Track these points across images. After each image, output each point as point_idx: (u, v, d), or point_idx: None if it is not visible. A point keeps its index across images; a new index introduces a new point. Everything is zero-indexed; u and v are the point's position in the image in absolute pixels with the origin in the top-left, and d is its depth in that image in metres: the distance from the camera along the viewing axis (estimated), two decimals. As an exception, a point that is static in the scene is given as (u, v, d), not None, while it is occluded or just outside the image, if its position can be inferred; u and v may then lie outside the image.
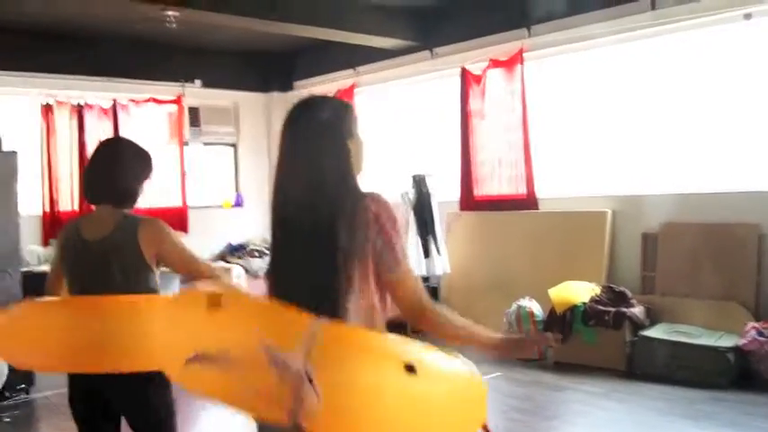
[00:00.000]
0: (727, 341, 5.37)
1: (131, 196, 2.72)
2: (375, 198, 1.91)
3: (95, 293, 2.58)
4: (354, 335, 1.75)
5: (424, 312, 1.93)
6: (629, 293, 6.08)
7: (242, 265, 8.88)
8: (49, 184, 8.28)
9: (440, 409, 1.69)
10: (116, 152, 2.79)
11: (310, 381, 1.58)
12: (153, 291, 2.65)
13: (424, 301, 1.93)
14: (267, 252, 9.18)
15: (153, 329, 2.21)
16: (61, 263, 2.73)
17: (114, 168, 2.71)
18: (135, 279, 2.60)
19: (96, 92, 8.55)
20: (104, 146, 2.89)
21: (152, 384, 2.53)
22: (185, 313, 2.02)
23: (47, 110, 8.28)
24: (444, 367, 1.72)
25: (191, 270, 2.65)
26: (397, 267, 1.90)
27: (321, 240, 1.88)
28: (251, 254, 9.19)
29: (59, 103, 8.35)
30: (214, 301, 1.85)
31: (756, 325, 5.36)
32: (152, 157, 2.85)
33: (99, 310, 2.48)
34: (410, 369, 1.60)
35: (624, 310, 5.82)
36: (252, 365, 1.71)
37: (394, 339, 1.72)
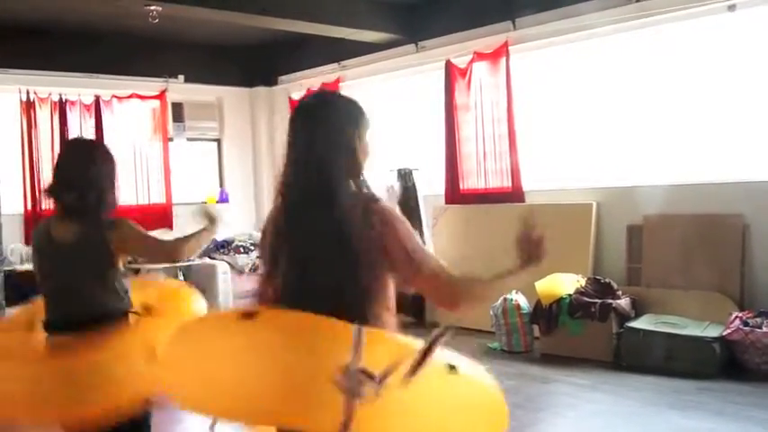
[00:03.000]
0: (712, 331, 5.40)
1: (104, 205, 2.69)
2: (382, 205, 1.89)
3: (65, 293, 2.60)
4: (395, 339, 1.76)
5: (459, 294, 1.91)
6: (614, 285, 6.10)
7: (227, 262, 8.83)
8: (30, 181, 8.20)
9: (474, 408, 1.79)
10: (88, 156, 2.73)
11: (373, 378, 1.55)
12: (120, 290, 2.67)
13: (454, 285, 1.90)
14: (253, 248, 9.14)
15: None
16: (35, 263, 2.75)
17: (86, 175, 2.66)
18: (103, 279, 2.62)
19: (78, 88, 8.47)
20: (74, 146, 2.88)
21: None
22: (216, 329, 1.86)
23: (28, 106, 8.19)
24: (476, 371, 1.82)
25: (159, 256, 2.76)
26: (423, 266, 1.87)
27: (336, 245, 1.83)
28: (236, 250, 9.14)
29: (41, 99, 8.27)
30: (249, 314, 1.76)
31: (741, 315, 5.39)
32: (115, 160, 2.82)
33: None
34: (452, 368, 1.70)
35: (610, 301, 5.83)
36: (294, 379, 1.62)
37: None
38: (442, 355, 1.70)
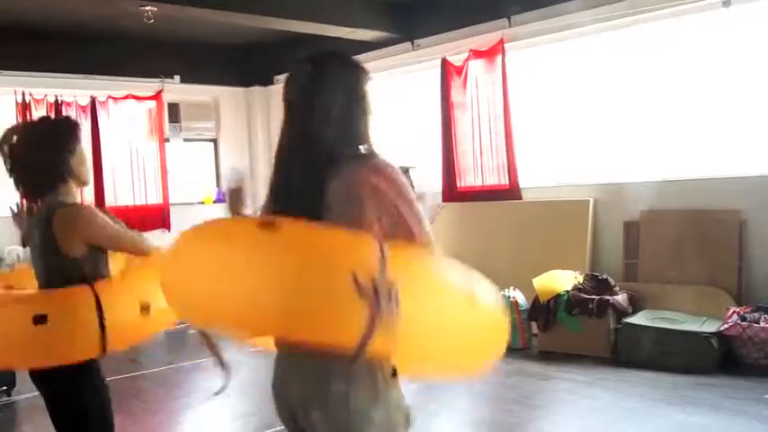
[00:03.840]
0: (710, 326, 5.41)
1: (53, 178, 2.59)
2: (374, 166, 1.73)
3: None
4: (420, 260, 1.72)
5: None
6: (612, 281, 6.11)
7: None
8: (27, 182, 8.17)
9: (485, 332, 1.82)
10: (23, 139, 2.63)
11: (393, 298, 1.50)
12: (76, 280, 2.54)
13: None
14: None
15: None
16: None
17: (27, 156, 2.58)
18: (53, 270, 2.57)
19: (74, 89, 8.46)
20: (11, 133, 2.69)
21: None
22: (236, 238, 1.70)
23: (24, 107, 8.17)
24: (489, 296, 1.81)
25: (122, 249, 2.66)
26: (412, 239, 1.75)
27: (312, 207, 1.72)
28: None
29: (36, 100, 8.25)
30: (268, 224, 1.63)
31: (738, 310, 5.40)
32: (68, 125, 2.67)
33: None
34: (471, 300, 1.72)
35: (608, 297, 5.84)
36: (319, 290, 1.56)
37: (450, 265, 1.74)
38: (463, 280, 1.73)
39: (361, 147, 1.81)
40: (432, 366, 1.86)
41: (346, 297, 1.49)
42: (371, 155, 1.79)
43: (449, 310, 1.68)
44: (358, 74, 1.88)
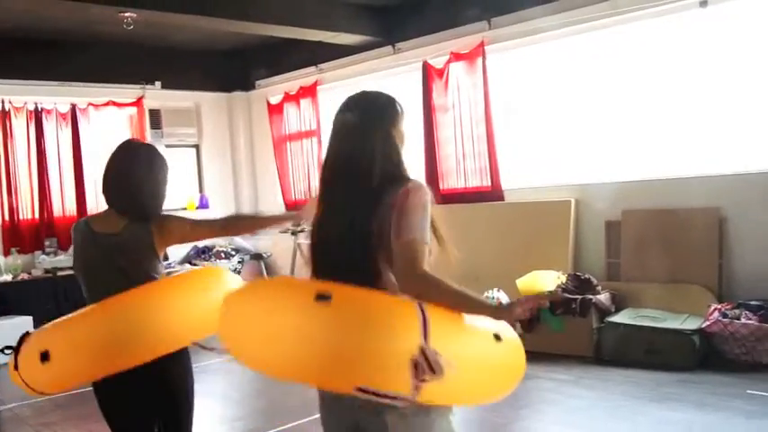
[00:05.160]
0: (691, 324, 5.46)
1: (153, 211, 2.80)
2: (412, 185, 1.99)
3: (111, 288, 2.61)
4: (450, 313, 1.88)
5: (417, 281, 1.89)
6: (594, 280, 6.15)
7: (209, 267, 8.81)
8: (7, 191, 8.12)
9: (511, 367, 2.08)
10: (149, 166, 2.81)
11: (438, 359, 1.72)
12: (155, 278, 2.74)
13: (418, 270, 1.89)
14: (234, 254, 9.13)
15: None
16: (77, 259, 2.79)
17: (143, 189, 2.76)
18: (142, 269, 2.70)
19: (54, 96, 8.41)
20: (133, 152, 2.84)
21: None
22: (288, 301, 1.89)
23: (3, 115, 8.12)
24: (511, 334, 2.06)
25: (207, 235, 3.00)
26: (396, 239, 1.92)
27: (358, 225, 1.98)
28: (218, 255, 9.12)
29: (16, 108, 8.20)
30: (323, 296, 1.80)
31: (719, 306, 5.46)
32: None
33: None
34: (498, 338, 1.95)
35: (590, 297, 5.89)
36: (363, 359, 1.76)
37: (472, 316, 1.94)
38: (484, 323, 1.94)
39: (398, 172, 2.06)
40: (470, 397, 2.07)
41: (394, 364, 1.73)
42: (407, 179, 2.04)
43: (482, 348, 1.93)
44: (394, 114, 2.14)
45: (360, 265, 1.97)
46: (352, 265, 1.97)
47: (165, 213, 2.82)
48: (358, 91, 2.20)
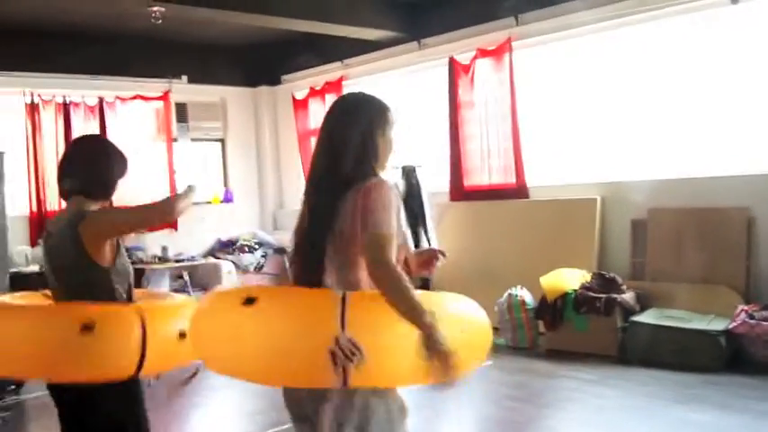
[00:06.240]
0: (717, 324, 5.39)
1: (105, 188, 2.70)
2: (372, 182, 2.07)
3: (53, 290, 2.63)
4: (379, 300, 1.95)
5: (380, 268, 1.95)
6: (619, 279, 6.09)
7: (232, 261, 8.86)
8: (35, 183, 8.23)
9: (476, 344, 2.18)
10: (96, 147, 2.81)
11: (353, 344, 1.87)
12: (96, 285, 2.56)
13: (383, 258, 1.96)
14: (257, 248, 9.18)
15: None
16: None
17: (94, 160, 2.69)
18: (76, 275, 2.56)
19: (82, 89, 8.50)
20: (83, 141, 2.91)
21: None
22: (223, 310, 2.14)
23: (32, 108, 8.22)
24: (474, 315, 2.21)
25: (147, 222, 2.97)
26: (362, 232, 2.01)
27: (322, 219, 2.10)
28: (241, 249, 9.17)
29: (45, 101, 8.30)
30: (250, 299, 2.00)
31: (746, 308, 5.38)
32: (127, 158, 2.83)
33: None
34: (462, 331, 2.10)
35: (615, 296, 5.83)
36: (299, 348, 1.94)
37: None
38: (450, 310, 2.13)
39: (369, 171, 2.14)
40: (401, 379, 2.10)
41: (319, 353, 1.88)
42: (374, 177, 2.12)
43: (408, 332, 1.93)
44: (373, 113, 2.21)
45: (320, 266, 2.09)
46: (317, 265, 2.10)
47: (98, 210, 2.63)
48: (354, 91, 2.32)
